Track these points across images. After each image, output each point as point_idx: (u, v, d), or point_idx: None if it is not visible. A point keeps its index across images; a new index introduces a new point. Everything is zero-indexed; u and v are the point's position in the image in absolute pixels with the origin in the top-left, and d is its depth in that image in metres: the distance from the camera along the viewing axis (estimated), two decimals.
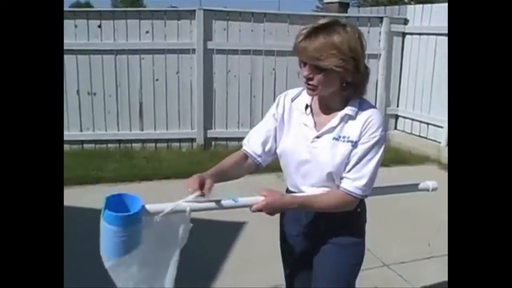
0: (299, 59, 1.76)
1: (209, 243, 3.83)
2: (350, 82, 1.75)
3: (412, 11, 6.90)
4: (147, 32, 6.16)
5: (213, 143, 6.60)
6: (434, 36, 6.47)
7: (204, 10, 6.26)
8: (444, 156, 6.11)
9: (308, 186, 1.87)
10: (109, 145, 6.26)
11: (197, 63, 6.30)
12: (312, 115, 1.86)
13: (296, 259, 2.07)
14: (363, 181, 1.78)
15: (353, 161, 1.78)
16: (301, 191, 1.89)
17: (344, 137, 1.79)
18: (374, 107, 1.84)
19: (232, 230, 4.04)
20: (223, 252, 3.74)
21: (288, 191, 1.97)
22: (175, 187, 4.95)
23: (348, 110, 1.80)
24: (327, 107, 1.85)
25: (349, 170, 1.79)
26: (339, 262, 1.94)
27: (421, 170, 5.83)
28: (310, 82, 1.75)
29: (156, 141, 6.44)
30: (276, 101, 1.96)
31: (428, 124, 6.65)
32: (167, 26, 6.23)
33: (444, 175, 5.88)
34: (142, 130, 6.40)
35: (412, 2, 23.35)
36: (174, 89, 6.39)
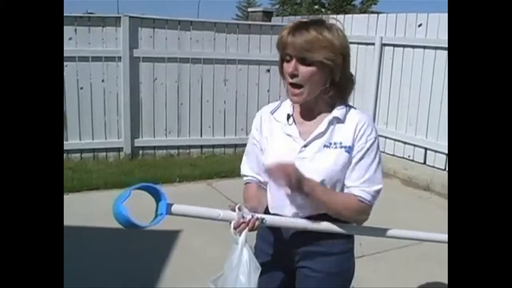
0: (283, 55, 1.65)
1: (145, 251, 3.80)
2: (336, 83, 1.66)
3: (334, 21, 7.11)
4: (70, 38, 5.99)
5: (140, 152, 6.52)
6: (355, 45, 6.74)
7: (130, 17, 6.17)
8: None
9: (294, 207, 1.71)
10: None
11: (123, 71, 6.20)
12: (295, 125, 1.73)
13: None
14: (373, 186, 1.67)
15: (357, 168, 1.66)
16: (284, 215, 1.72)
17: (335, 143, 1.66)
18: (362, 111, 1.75)
19: (167, 238, 4.00)
20: (161, 260, 3.70)
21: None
22: (105, 198, 4.87)
23: (336, 113, 1.68)
24: (311, 114, 1.72)
25: (355, 178, 1.67)
26: None
27: None
28: (295, 80, 1.62)
29: (81, 151, 6.25)
30: (253, 123, 1.84)
31: None
32: (91, 32, 6.09)
33: None
34: (66, 140, 6.17)
35: (329, 12, 24.12)
36: (99, 98, 6.25)
